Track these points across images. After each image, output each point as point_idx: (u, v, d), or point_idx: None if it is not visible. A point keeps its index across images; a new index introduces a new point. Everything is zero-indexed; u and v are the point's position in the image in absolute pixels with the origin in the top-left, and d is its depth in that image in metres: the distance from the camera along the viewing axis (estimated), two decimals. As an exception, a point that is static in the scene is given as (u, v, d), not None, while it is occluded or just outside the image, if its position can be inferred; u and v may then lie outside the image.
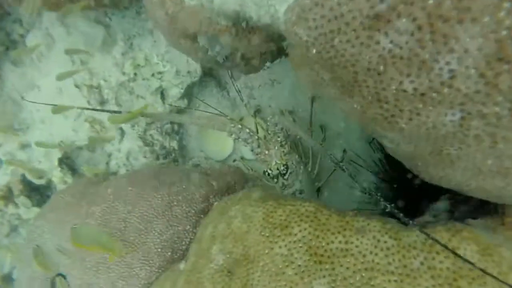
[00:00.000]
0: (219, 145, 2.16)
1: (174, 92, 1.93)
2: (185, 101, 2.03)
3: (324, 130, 2.07)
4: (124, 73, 1.82)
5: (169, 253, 1.47)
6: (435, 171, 0.96)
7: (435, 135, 0.84)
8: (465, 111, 0.76)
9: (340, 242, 0.96)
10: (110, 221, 1.54)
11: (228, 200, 1.26)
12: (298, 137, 1.40)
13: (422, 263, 0.91)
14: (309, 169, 1.85)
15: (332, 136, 1.98)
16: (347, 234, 0.97)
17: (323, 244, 0.97)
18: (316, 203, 1.06)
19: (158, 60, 1.84)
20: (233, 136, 1.62)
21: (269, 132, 1.62)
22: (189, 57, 1.59)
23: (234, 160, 2.16)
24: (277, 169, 1.61)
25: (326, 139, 1.92)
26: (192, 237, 1.50)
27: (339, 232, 0.98)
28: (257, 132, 1.73)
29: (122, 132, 2.01)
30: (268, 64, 1.35)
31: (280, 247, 0.99)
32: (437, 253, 0.91)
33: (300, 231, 1.00)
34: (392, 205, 0.94)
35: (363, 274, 0.91)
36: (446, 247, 0.88)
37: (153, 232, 1.49)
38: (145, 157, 1.93)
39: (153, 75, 1.86)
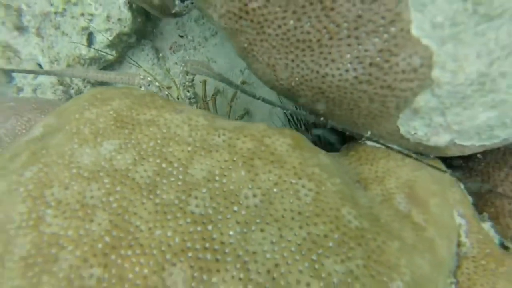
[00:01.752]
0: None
1: (102, 39, 1.92)
2: (114, 52, 2.01)
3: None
4: (52, 5, 1.82)
5: None
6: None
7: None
8: None
9: (151, 115, 0.88)
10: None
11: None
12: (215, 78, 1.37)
13: (224, 141, 0.82)
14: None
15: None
16: (164, 111, 0.89)
17: (134, 114, 0.89)
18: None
19: (91, 1, 1.86)
20: (142, 88, 1.58)
21: (178, 84, 1.59)
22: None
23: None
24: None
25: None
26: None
27: (155, 108, 0.90)
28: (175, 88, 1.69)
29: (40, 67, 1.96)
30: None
31: (91, 113, 0.91)
32: (244, 136, 0.83)
33: (118, 103, 0.92)
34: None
35: (158, 141, 0.82)
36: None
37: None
38: (53, 93, 1.87)
39: (82, 15, 1.87)
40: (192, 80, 1.75)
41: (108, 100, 0.95)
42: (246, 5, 0.79)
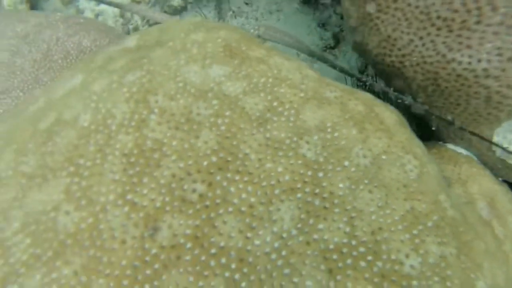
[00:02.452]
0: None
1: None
2: (180, 1, 1.97)
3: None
4: None
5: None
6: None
7: None
8: None
9: (261, 53, 0.85)
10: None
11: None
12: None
13: (336, 97, 0.79)
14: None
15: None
16: (273, 53, 0.86)
17: (243, 48, 0.85)
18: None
19: None
20: None
21: None
22: None
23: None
24: None
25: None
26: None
27: (265, 49, 0.87)
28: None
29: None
30: None
31: (198, 36, 0.87)
32: (356, 99, 0.80)
33: (225, 34, 0.88)
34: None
35: (270, 80, 0.79)
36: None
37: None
38: (113, 24, 1.82)
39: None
40: None
41: (214, 29, 0.91)
42: (398, -34, 0.76)
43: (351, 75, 1.18)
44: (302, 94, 0.77)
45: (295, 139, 0.70)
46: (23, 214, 0.65)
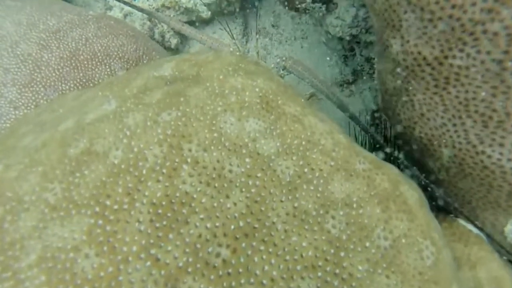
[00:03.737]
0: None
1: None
2: (209, 13, 1.96)
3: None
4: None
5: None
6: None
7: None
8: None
9: (296, 111, 0.85)
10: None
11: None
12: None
13: (364, 170, 0.80)
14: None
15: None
16: (307, 112, 0.86)
17: (279, 102, 0.85)
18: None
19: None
20: None
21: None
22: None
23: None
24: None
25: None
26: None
27: (300, 106, 0.87)
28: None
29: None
30: None
31: (236, 81, 0.87)
32: (382, 174, 0.81)
33: (263, 83, 0.88)
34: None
35: (303, 142, 0.79)
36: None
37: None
38: (141, 26, 1.81)
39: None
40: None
41: (252, 74, 0.91)
42: (446, 57, 0.77)
43: (366, 131, 1.19)
44: (332, 163, 0.78)
45: (321, 211, 0.70)
46: (42, 247, 0.65)
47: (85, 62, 1.41)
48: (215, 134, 0.76)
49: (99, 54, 1.43)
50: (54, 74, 1.36)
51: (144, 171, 0.69)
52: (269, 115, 0.82)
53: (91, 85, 1.39)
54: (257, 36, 1.75)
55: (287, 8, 1.59)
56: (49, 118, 0.99)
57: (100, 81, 1.39)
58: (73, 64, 1.39)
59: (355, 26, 1.46)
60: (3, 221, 0.68)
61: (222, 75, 0.88)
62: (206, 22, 2.10)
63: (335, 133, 0.84)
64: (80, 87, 1.38)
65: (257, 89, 0.86)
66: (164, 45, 1.94)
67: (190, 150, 0.73)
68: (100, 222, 0.65)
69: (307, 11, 1.52)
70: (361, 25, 1.45)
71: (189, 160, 0.71)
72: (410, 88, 0.85)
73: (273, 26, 2.22)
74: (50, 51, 1.38)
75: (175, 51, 2.00)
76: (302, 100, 0.91)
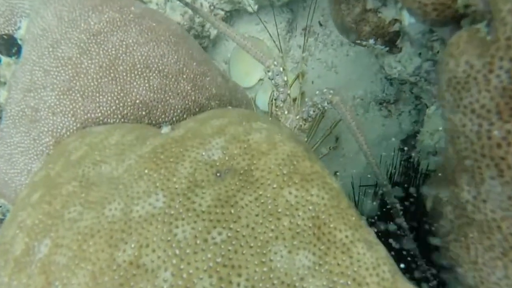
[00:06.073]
0: (245, 72, 1.96)
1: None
2: (256, 6, 1.80)
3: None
4: None
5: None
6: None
7: None
8: None
9: (346, 237, 0.83)
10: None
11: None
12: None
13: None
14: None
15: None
16: (357, 236, 0.84)
17: (331, 226, 0.83)
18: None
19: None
20: (269, 73, 1.44)
21: (305, 104, 1.45)
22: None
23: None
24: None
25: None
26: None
27: (351, 227, 0.85)
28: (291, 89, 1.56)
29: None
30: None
31: (289, 194, 0.83)
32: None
33: (317, 195, 0.85)
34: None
35: (349, 282, 0.78)
36: None
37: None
38: (181, 15, 1.67)
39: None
40: (323, 112, 1.64)
41: (307, 181, 0.87)
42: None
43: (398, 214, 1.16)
44: (374, 309, 0.78)
45: None
46: None
47: (124, 74, 1.33)
48: (265, 269, 0.75)
49: (138, 65, 1.34)
50: (92, 84, 1.29)
51: (192, 311, 0.69)
52: (320, 244, 0.80)
53: (128, 100, 1.32)
54: (306, 39, 1.62)
55: (346, 38, 1.46)
56: (92, 174, 0.96)
57: (137, 96, 1.32)
58: (112, 75, 1.31)
59: (415, 75, 1.35)
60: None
61: (275, 183, 0.84)
62: (251, 14, 1.94)
63: (382, 266, 0.83)
64: (117, 101, 1.31)
65: (310, 207, 0.83)
66: (203, 36, 1.81)
67: (238, 285, 0.72)
68: None
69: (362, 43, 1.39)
70: (423, 76, 1.34)
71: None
72: (471, 235, 0.82)
73: (320, 24, 2.06)
74: (89, 58, 1.30)
75: (213, 42, 1.87)
76: (354, 212, 0.88)
